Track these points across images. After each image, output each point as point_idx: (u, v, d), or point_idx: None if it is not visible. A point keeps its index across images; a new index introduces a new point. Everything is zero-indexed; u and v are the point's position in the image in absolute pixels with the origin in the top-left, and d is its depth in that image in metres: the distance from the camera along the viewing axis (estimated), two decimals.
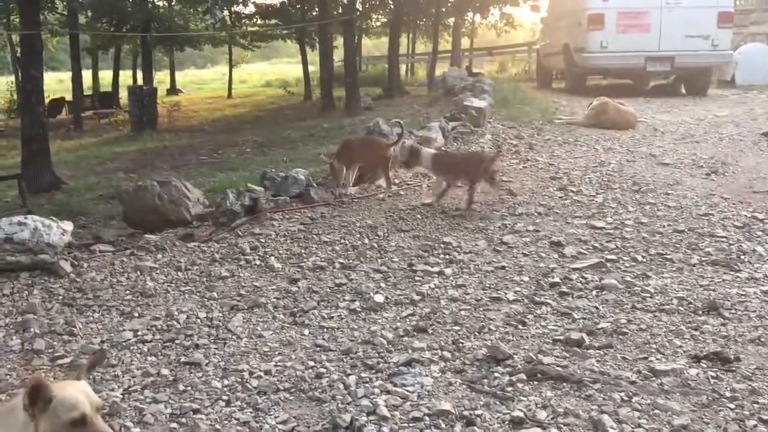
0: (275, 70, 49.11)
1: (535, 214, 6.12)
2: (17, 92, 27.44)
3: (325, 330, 4.03)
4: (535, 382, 3.31)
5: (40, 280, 4.93)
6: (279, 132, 17.39)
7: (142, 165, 14.22)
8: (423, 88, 24.74)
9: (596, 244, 5.29)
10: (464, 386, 3.32)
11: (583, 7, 14.89)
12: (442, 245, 5.38)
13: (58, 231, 5.13)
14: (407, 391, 3.28)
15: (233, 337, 3.98)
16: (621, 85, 16.58)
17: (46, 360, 3.81)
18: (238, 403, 3.27)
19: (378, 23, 31.16)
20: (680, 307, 4.15)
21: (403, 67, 29.47)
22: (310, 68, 28.83)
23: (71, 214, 9.32)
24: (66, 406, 1.93)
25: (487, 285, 4.61)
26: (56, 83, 34.88)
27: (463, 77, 16.51)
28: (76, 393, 1.99)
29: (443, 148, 8.36)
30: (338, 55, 27.26)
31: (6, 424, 1.92)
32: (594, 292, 4.39)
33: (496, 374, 3.40)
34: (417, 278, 4.75)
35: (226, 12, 25.32)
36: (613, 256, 5.02)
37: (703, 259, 4.95)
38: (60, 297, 4.68)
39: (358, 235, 5.66)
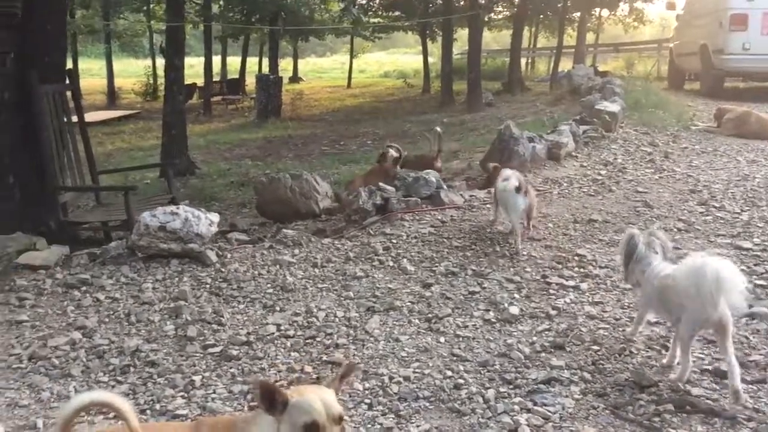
0: (393, 60, 49.50)
1: (674, 229, 5.89)
2: (154, 77, 29.20)
3: (461, 339, 4.06)
4: (684, 415, 3.21)
5: (189, 268, 5.23)
6: (398, 125, 17.57)
7: (268, 153, 14.78)
8: (544, 85, 24.23)
9: (743, 267, 5.03)
10: (607, 411, 3.27)
11: (725, 6, 14.08)
12: (576, 258, 5.28)
13: (206, 222, 5.42)
14: (548, 411, 3.26)
15: (371, 339, 4.09)
16: (761, 88, 15.57)
17: (198, 347, 4.05)
18: (380, 407, 3.36)
19: (500, 16, 30.74)
20: None
21: (522, 62, 28.94)
22: (429, 60, 28.86)
23: (205, 199, 9.85)
24: (300, 410, 1.97)
25: (626, 304, 4.49)
26: (186, 68, 36.68)
27: (591, 76, 16.00)
28: (314, 399, 2.00)
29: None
30: (457, 47, 27.16)
31: (257, 424, 2.04)
32: (743, 320, 4.19)
33: (641, 402, 3.31)
34: (552, 291, 4.70)
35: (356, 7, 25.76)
36: (762, 282, 4.76)
37: None
38: (207, 286, 4.95)
39: (489, 242, 5.65)
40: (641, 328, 4.01)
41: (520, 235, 5.50)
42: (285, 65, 37.28)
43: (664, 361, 3.66)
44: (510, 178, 5.44)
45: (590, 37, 30.29)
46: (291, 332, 4.19)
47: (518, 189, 5.33)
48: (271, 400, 1.99)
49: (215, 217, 5.58)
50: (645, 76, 20.82)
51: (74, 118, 7.47)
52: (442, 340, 4.06)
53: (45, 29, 6.84)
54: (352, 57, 35.11)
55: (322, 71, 46.21)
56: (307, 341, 4.08)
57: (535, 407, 3.29)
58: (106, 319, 4.45)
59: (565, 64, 25.33)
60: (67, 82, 7.25)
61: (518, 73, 23.54)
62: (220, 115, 23.67)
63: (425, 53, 28.85)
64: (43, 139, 6.47)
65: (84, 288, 4.93)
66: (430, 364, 3.77)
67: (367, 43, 36.76)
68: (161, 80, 29.58)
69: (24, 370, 3.83)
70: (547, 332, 4.11)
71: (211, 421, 2.28)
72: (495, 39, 45.75)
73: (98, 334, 4.23)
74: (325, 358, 3.87)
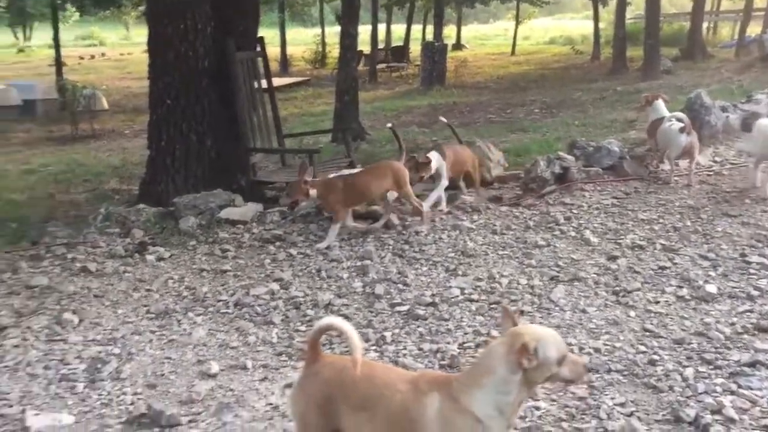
0: (559, 26, 47.73)
1: None
2: (323, 45, 30.16)
3: (652, 314, 3.92)
4: None
5: (372, 229, 5.43)
6: (567, 93, 16.99)
7: (434, 120, 14.84)
8: (728, 51, 22.40)
9: None
10: None
11: None
12: None
13: None
14: (755, 395, 3.08)
15: (556, 308, 4.05)
16: None
17: (386, 305, 4.21)
18: None
19: None
20: None
21: (704, 26, 26.83)
22: (599, 25, 27.54)
23: None
24: (551, 345, 2.09)
25: None
26: None
27: None
28: (547, 333, 2.15)
29: None
30: (630, 12, 25.66)
31: (491, 384, 2.11)
32: None
33: None
34: (752, 271, 4.40)
35: None
36: None
37: None
38: (390, 247, 5.12)
39: (679, 216, 5.38)
40: None
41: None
42: (448, 32, 36.98)
43: None
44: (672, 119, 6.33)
45: None
46: (475, 296, 4.25)
47: (682, 129, 6.04)
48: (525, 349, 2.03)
49: None
50: None
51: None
52: (632, 314, 3.94)
53: (240, 0, 7.27)
54: (517, 23, 34.23)
55: (485, 38, 45.49)
56: (491, 306, 4.11)
57: (740, 390, 3.12)
58: (300, 273, 4.73)
59: (754, 29, 23.21)
60: (258, 49, 7.66)
61: (699, 38, 21.87)
62: (385, 83, 24.05)
63: (596, 18, 27.52)
64: (238, 104, 6.91)
65: (278, 243, 5.27)
66: (621, 338, 3.67)
67: (533, 9, 35.63)
68: (329, 48, 30.62)
69: (231, 315, 4.18)
70: (748, 313, 3.87)
71: (432, 375, 2.36)
72: (671, 2, 42.80)
73: (293, 286, 4.52)
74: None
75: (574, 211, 5.59)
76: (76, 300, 4.40)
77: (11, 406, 3.21)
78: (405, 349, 3.66)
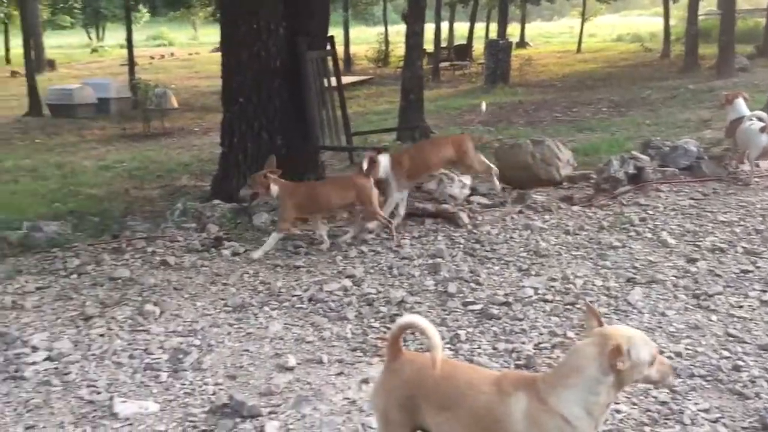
0: (626, 23, 46.67)
1: None
2: (386, 44, 30.28)
3: (735, 319, 3.81)
4: None
5: (442, 228, 5.44)
6: (636, 91, 16.62)
7: (498, 119, 14.72)
8: None
9: None
10: None
11: None
12: None
13: (459, 184, 5.60)
14: None
15: (634, 310, 3.97)
16: None
17: (458, 303, 4.20)
18: None
19: None
20: None
21: None
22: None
23: None
24: (643, 346, 2.08)
25: None
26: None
27: None
28: (636, 334, 2.14)
29: None
30: (701, 8, 24.90)
31: (580, 385, 2.10)
32: None
33: None
34: None
35: None
36: None
37: None
38: (461, 245, 5.11)
39: (761, 218, 5.20)
40: None
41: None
42: (511, 30, 36.66)
43: None
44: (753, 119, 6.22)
45: None
46: (549, 297, 4.20)
47: (762, 129, 5.93)
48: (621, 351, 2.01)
49: (467, 180, 5.72)
50: None
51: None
52: (713, 318, 3.83)
53: (312, 0, 7.37)
54: (583, 20, 33.63)
55: (549, 36, 44.84)
56: (566, 307, 4.06)
57: None
58: (371, 270, 4.77)
59: None
60: (328, 48, 7.75)
61: None
62: (448, 81, 24.00)
63: (666, 14, 26.82)
64: (308, 102, 7.01)
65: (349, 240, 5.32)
66: (703, 342, 3.58)
67: (600, 5, 34.97)
68: (392, 47, 30.72)
69: (305, 310, 4.24)
70: None
71: (515, 375, 2.35)
72: None
73: (366, 283, 4.56)
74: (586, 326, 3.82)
75: (650, 212, 5.47)
76: (157, 292, 4.54)
77: (99, 393, 3.34)
78: (479, 348, 3.65)
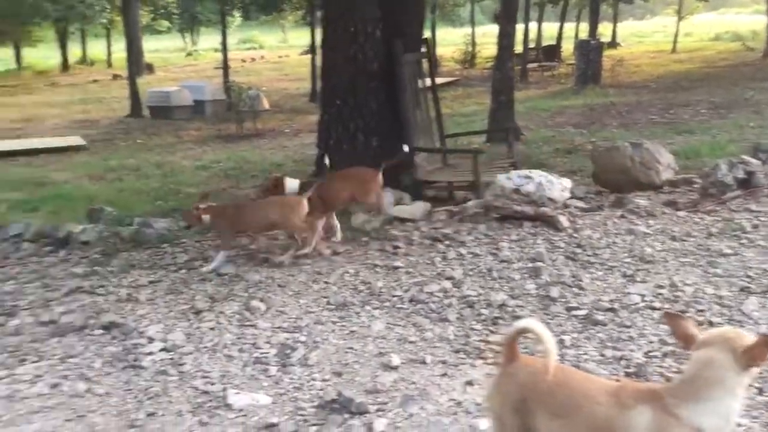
0: (724, 21, 44.72)
1: None
2: (472, 45, 30.11)
3: None
4: None
5: (541, 231, 5.37)
6: (737, 92, 15.90)
7: (590, 121, 14.39)
8: None
9: None
10: None
11: None
12: None
13: (559, 187, 5.51)
14: None
15: (749, 321, 3.80)
16: None
17: (561, 308, 4.14)
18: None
19: None
20: None
21: None
22: None
23: (533, 166, 9.92)
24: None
25: None
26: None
27: None
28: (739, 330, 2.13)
29: None
30: None
31: (719, 394, 2.05)
32: None
33: None
34: None
35: None
36: None
37: None
38: (561, 249, 5.03)
39: None
40: None
41: None
42: (602, 30, 35.78)
43: None
44: None
45: None
46: (656, 304, 4.08)
47: None
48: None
49: (568, 183, 5.63)
50: None
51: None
52: None
53: (407, 3, 7.42)
54: (679, 18, 32.41)
55: (642, 35, 43.42)
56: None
57: None
58: (470, 273, 4.76)
59: None
60: (423, 50, 7.78)
61: None
62: (537, 82, 23.61)
63: None
64: (403, 104, 7.06)
65: (447, 242, 5.34)
66: None
67: (697, 3, 33.63)
68: (478, 48, 30.52)
69: (406, 310, 4.28)
70: None
71: (634, 387, 2.30)
72: None
73: (465, 285, 4.55)
74: None
75: (762, 219, 5.23)
76: (262, 288, 4.68)
77: (213, 384, 3.48)
78: (586, 354, 3.59)
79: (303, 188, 5.67)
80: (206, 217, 5.30)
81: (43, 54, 39.69)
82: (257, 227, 5.43)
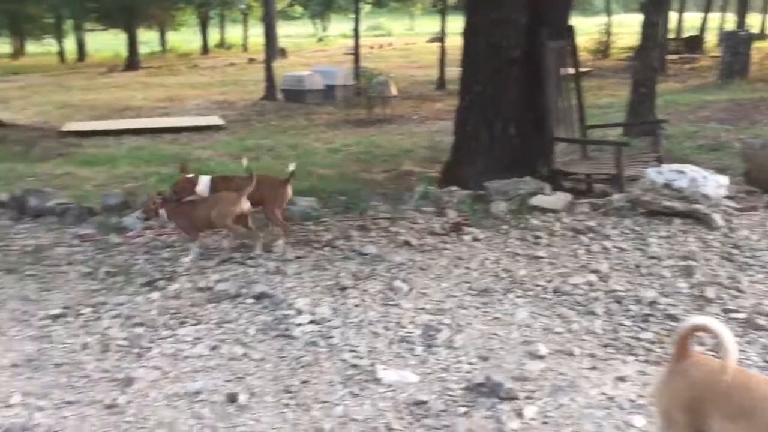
0: None
1: None
2: (607, 35, 29.04)
3: None
4: None
5: (693, 229, 5.13)
6: None
7: (737, 117, 13.54)
8: None
9: None
10: None
11: None
12: None
13: (714, 183, 5.23)
14: None
15: None
16: None
17: (718, 310, 3.94)
18: None
19: None
20: None
21: None
22: None
23: (673, 161, 9.49)
24: None
25: None
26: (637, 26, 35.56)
27: None
28: None
29: None
30: None
31: None
32: None
33: None
34: None
35: None
36: None
37: None
38: (716, 249, 4.78)
39: None
40: None
41: None
42: (751, 21, 33.52)
43: None
44: None
45: None
46: None
47: None
48: None
49: (724, 180, 5.34)
50: None
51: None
52: None
53: None
54: None
55: None
56: None
57: None
58: (617, 267, 4.62)
59: None
60: (568, 38, 7.58)
61: None
62: (676, 75, 22.44)
63: None
64: (546, 93, 6.92)
65: (590, 234, 5.21)
66: None
67: None
68: (613, 38, 29.38)
69: (550, 300, 4.21)
70: None
71: None
72: None
73: (612, 279, 4.43)
74: None
75: None
76: (404, 270, 4.75)
77: (362, 358, 3.57)
78: (748, 359, 3.40)
79: (215, 185, 5.54)
80: (162, 212, 5.39)
81: (185, 38, 42.01)
82: (211, 225, 5.36)
